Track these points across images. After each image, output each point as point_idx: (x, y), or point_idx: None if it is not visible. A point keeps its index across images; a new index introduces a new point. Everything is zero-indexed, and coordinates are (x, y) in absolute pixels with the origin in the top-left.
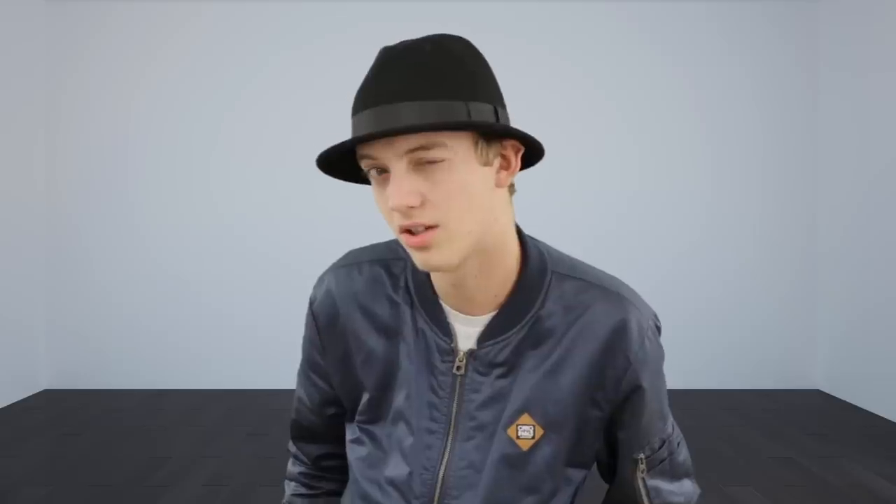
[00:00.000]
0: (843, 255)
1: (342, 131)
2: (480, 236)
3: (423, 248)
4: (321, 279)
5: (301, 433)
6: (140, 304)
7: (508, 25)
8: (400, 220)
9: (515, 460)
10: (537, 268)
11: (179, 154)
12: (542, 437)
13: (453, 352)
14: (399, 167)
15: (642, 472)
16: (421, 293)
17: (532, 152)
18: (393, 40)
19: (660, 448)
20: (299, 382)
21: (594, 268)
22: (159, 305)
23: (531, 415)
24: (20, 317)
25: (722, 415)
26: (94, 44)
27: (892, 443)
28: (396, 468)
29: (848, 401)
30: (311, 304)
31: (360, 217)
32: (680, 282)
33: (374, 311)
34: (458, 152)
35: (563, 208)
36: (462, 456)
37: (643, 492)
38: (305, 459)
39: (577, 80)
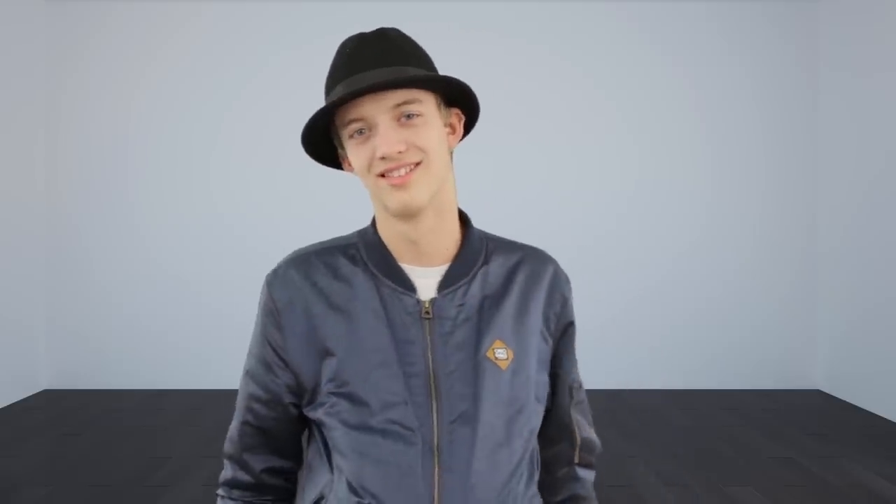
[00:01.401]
0: (843, 256)
1: None
2: (441, 185)
3: (403, 186)
4: (275, 271)
5: (249, 441)
6: (140, 304)
7: (508, 25)
8: (384, 166)
9: (497, 376)
10: (476, 231)
11: (179, 154)
12: (514, 359)
13: (418, 302)
14: (385, 120)
15: (573, 404)
16: (377, 258)
17: (469, 123)
18: None
19: (580, 387)
20: (249, 381)
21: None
22: (159, 305)
23: (503, 341)
24: (20, 317)
25: (722, 415)
26: (94, 44)
27: (892, 443)
28: (389, 409)
29: (848, 401)
30: (270, 287)
31: (360, 217)
32: (680, 282)
33: (332, 289)
34: (430, 110)
35: (563, 208)
36: (448, 385)
37: (574, 421)
38: (249, 473)
39: (577, 80)
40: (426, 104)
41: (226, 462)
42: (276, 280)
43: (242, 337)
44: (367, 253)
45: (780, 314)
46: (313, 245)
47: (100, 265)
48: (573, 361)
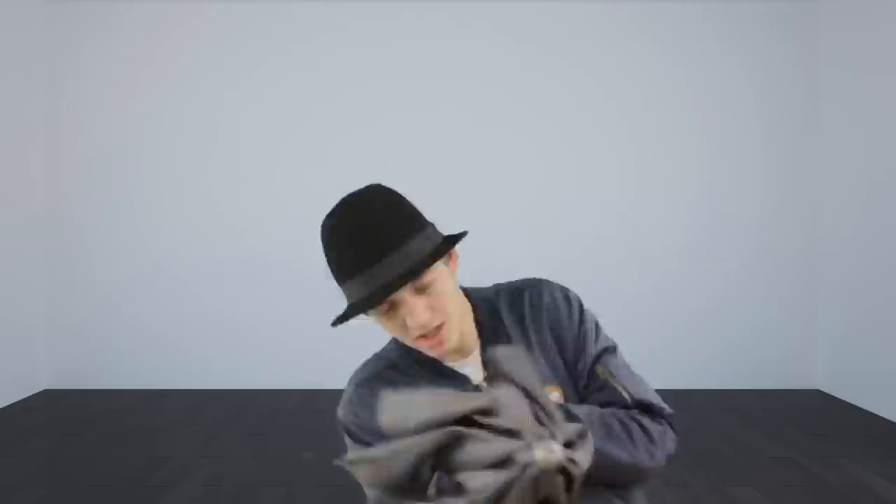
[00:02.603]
0: (843, 256)
1: (342, 132)
2: (462, 317)
3: (438, 343)
4: (343, 404)
5: None
6: (140, 304)
7: (509, 25)
8: (418, 333)
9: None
10: (480, 304)
11: (179, 154)
12: (563, 392)
13: (477, 387)
14: (408, 298)
15: (607, 374)
16: (429, 364)
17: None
18: (392, 40)
19: (610, 348)
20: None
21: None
22: (159, 305)
23: (546, 381)
24: (20, 317)
25: (722, 415)
26: (94, 44)
27: (892, 443)
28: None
29: (848, 401)
30: (341, 423)
31: None
32: (680, 282)
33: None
34: (436, 273)
35: (563, 208)
36: None
37: (619, 388)
38: None
39: (577, 81)
40: (433, 270)
41: None
42: (343, 410)
43: (242, 337)
44: (416, 358)
45: (780, 314)
46: (365, 367)
47: (100, 265)
48: (591, 342)
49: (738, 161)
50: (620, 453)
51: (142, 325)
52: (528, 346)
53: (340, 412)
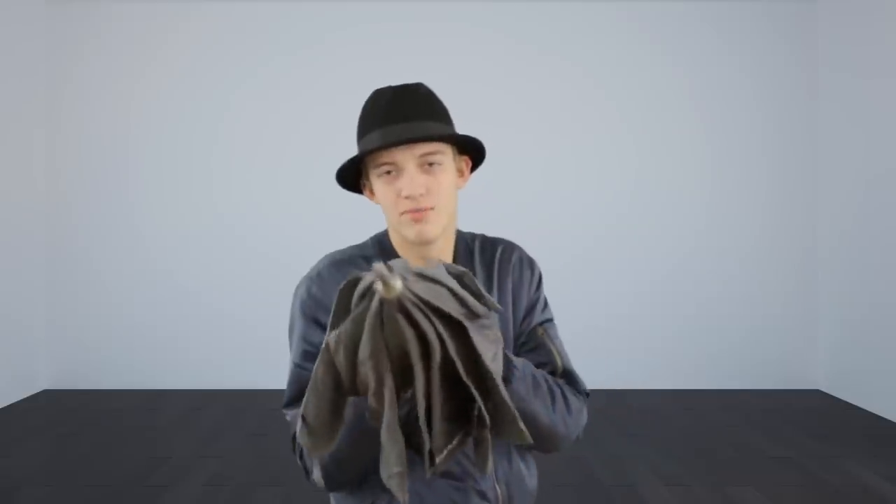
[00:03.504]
0: (844, 255)
1: (341, 132)
2: (449, 220)
3: (421, 221)
4: (319, 273)
5: (301, 392)
6: (140, 305)
7: (509, 25)
8: (408, 205)
9: None
10: (462, 240)
11: (179, 154)
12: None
13: None
14: (411, 167)
15: (546, 337)
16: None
17: (475, 164)
18: (392, 40)
19: (552, 320)
20: (300, 358)
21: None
22: (159, 305)
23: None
24: (20, 317)
25: (722, 415)
26: (94, 44)
27: (892, 443)
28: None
29: (848, 401)
30: (309, 287)
31: (359, 217)
32: (680, 281)
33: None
34: (447, 159)
35: (563, 208)
36: None
37: (554, 351)
38: None
39: (577, 81)
40: (445, 154)
41: None
42: (315, 281)
43: (242, 337)
44: (384, 260)
45: (780, 314)
46: (342, 252)
47: (100, 265)
48: (540, 303)
49: (737, 161)
50: (542, 412)
51: (142, 325)
52: (489, 291)
53: (305, 284)
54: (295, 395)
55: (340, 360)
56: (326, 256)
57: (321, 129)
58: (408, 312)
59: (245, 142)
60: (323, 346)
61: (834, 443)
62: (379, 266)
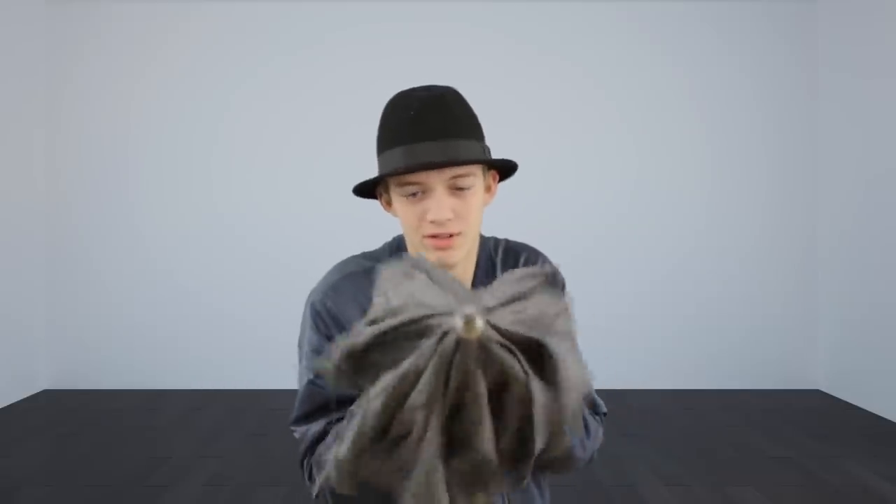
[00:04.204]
0: (844, 255)
1: (342, 132)
2: (473, 242)
3: (445, 248)
4: (327, 287)
5: (312, 410)
6: (140, 305)
7: (509, 25)
8: (432, 230)
9: None
10: (486, 249)
11: (179, 154)
12: None
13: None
14: (440, 190)
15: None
16: None
17: (503, 177)
18: (392, 40)
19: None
20: (314, 375)
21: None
22: (159, 305)
23: None
24: (20, 317)
25: (722, 415)
26: (94, 44)
27: (892, 443)
28: None
29: (848, 401)
30: (324, 301)
31: (359, 217)
32: (680, 281)
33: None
34: (477, 181)
35: (563, 208)
36: None
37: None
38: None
39: (577, 81)
40: (476, 176)
41: None
42: (329, 295)
43: (242, 337)
44: None
45: (780, 314)
46: (357, 262)
47: (100, 265)
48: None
49: (737, 161)
50: None
51: (142, 325)
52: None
53: (318, 295)
54: (307, 412)
55: (380, 401)
56: (339, 266)
57: (321, 129)
58: (488, 351)
59: (245, 142)
60: (373, 390)
61: (834, 443)
62: (463, 308)
